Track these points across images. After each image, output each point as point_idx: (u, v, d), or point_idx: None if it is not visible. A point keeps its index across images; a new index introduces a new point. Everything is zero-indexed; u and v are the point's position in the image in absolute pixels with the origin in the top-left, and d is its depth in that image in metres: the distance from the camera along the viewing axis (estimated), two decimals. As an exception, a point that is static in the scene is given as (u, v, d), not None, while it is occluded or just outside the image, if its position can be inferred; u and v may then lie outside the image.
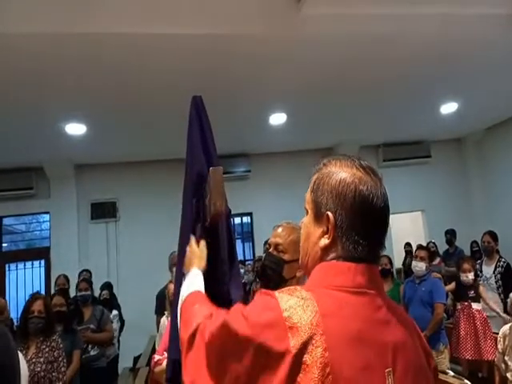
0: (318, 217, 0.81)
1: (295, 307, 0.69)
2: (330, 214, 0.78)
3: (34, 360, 2.59)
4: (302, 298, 0.72)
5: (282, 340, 0.66)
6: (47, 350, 2.67)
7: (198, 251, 1.23)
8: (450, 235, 6.49)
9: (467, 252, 6.28)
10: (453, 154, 7.99)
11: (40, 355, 2.63)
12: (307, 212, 0.86)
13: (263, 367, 0.66)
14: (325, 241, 0.79)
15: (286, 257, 1.51)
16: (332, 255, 0.79)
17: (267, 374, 0.66)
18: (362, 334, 0.70)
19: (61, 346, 2.76)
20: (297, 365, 0.64)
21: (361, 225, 0.77)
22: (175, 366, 1.31)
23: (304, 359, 0.65)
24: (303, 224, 0.87)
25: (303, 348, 0.65)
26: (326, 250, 0.80)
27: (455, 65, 4.61)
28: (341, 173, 0.80)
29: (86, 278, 4.58)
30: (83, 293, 4.18)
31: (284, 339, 0.66)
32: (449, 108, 6.06)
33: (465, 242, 6.52)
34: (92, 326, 3.97)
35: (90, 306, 4.17)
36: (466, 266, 4.12)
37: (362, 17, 3.57)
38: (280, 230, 1.56)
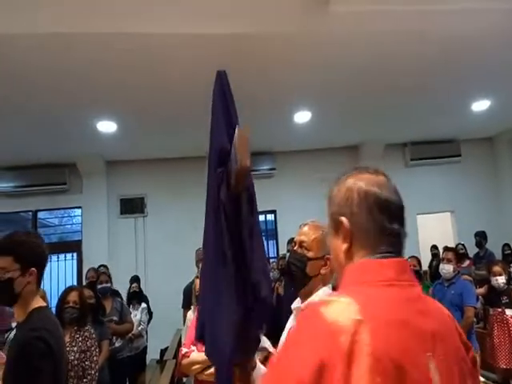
0: (336, 227, 0.86)
1: (337, 311, 0.73)
2: (343, 218, 0.83)
3: (68, 348, 2.68)
4: (340, 301, 0.75)
5: (334, 344, 0.69)
6: (80, 339, 2.77)
7: None
8: (480, 237, 6.31)
9: (498, 255, 6.09)
10: (484, 153, 7.73)
11: (74, 344, 2.73)
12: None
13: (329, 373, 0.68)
14: (345, 245, 0.84)
15: (309, 254, 1.55)
16: (356, 257, 0.83)
17: (334, 376, 0.68)
18: (401, 321, 0.73)
19: (93, 336, 2.85)
20: (349, 358, 0.68)
21: (373, 220, 0.81)
22: (203, 327, 1.38)
23: (354, 351, 0.68)
24: (329, 238, 0.92)
25: (352, 343, 0.69)
26: (348, 253, 0.84)
27: (488, 61, 4.47)
28: (346, 182, 0.87)
29: (105, 271, 4.68)
30: (104, 285, 4.26)
31: (335, 343, 0.69)
32: (480, 105, 5.88)
33: (495, 244, 6.33)
34: (115, 318, 4.10)
35: (110, 298, 4.25)
36: (497, 268, 4.01)
37: (389, 14, 3.52)
38: (305, 228, 1.61)
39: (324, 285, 1.57)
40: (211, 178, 1.40)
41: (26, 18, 3.20)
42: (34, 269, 1.56)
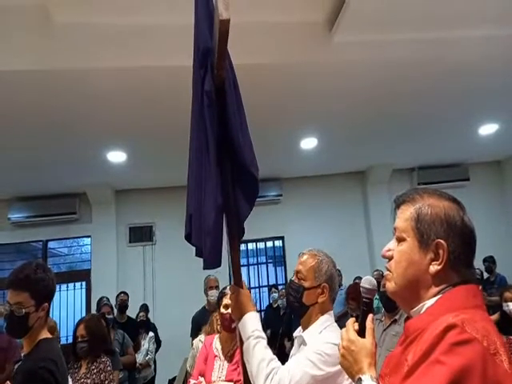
0: (425, 244, 0.87)
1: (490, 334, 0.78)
2: (442, 241, 0.86)
3: (82, 380, 2.66)
4: (484, 333, 0.76)
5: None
6: (95, 371, 2.73)
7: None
8: (489, 262, 6.16)
9: (510, 280, 5.96)
10: (492, 176, 7.72)
11: (88, 376, 2.69)
12: (401, 240, 0.92)
13: None
14: (435, 267, 0.86)
15: (305, 284, 1.56)
16: (451, 280, 0.86)
17: None
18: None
19: (109, 368, 2.79)
20: None
21: (469, 251, 0.88)
22: (191, 220, 1.39)
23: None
24: (400, 252, 0.91)
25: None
26: (437, 275, 0.86)
27: (495, 85, 4.53)
28: (443, 204, 0.90)
29: (107, 302, 4.67)
30: (106, 316, 4.18)
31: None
32: (488, 129, 5.91)
33: (505, 269, 6.20)
34: (117, 350, 4.04)
35: (112, 329, 4.18)
36: (508, 294, 3.90)
37: (394, 43, 3.63)
38: (304, 257, 1.64)
39: (322, 313, 1.56)
40: (196, 73, 1.43)
41: (38, 55, 3.36)
42: (46, 304, 1.62)
